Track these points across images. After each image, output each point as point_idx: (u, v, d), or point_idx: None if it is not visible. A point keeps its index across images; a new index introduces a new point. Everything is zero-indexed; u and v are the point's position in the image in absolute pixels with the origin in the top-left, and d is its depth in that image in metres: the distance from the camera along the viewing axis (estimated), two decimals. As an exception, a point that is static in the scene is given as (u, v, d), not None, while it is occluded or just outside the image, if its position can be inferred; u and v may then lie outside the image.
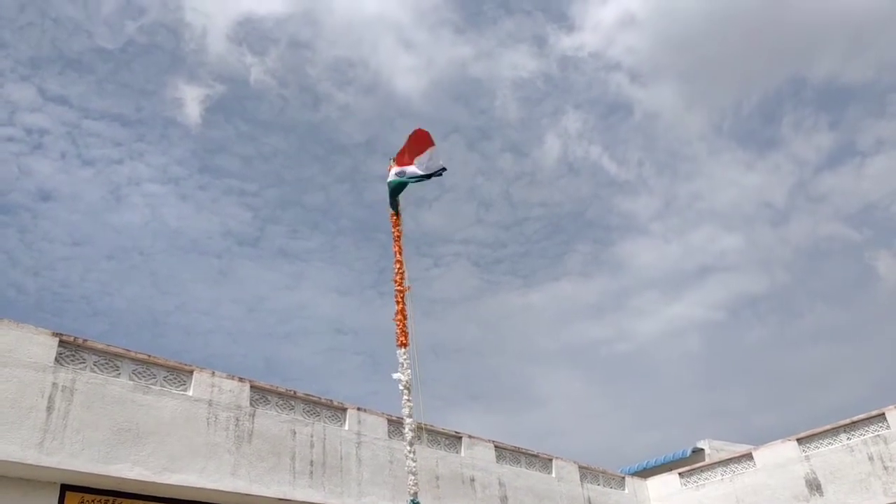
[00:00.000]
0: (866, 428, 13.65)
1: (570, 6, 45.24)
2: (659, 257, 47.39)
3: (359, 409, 11.61)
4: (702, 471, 15.73)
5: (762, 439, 15.27)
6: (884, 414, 13.49)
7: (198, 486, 9.17)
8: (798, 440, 14.37)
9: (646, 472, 17.48)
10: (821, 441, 14.13)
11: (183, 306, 45.37)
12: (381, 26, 41.41)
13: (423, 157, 9.41)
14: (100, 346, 9.04)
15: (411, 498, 8.14)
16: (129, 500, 8.94)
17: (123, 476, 8.58)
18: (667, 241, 47.21)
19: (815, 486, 13.78)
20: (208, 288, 44.51)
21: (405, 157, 9.51)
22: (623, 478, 16.10)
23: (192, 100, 37.14)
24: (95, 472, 8.38)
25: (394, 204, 9.68)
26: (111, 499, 8.79)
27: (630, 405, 49.70)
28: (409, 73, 42.72)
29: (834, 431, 14.00)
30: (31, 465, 7.93)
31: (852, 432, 13.79)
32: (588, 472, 15.18)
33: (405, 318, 9.07)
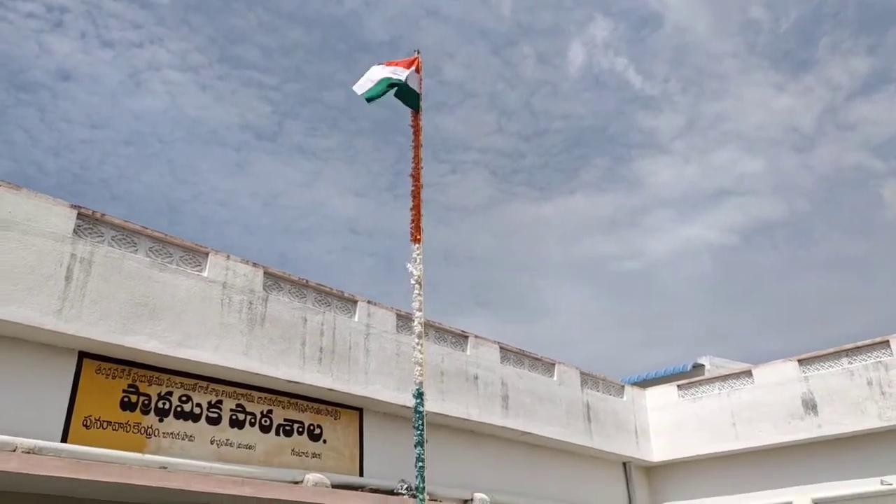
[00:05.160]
0: (869, 353, 13.79)
1: None
2: (677, 177, 46.88)
3: (369, 302, 11.80)
4: (700, 384, 16.06)
5: (764, 361, 15.47)
6: (888, 341, 13.59)
7: (211, 362, 9.45)
8: (799, 361, 14.57)
9: (646, 383, 17.89)
10: (822, 364, 14.32)
11: (200, 196, 45.63)
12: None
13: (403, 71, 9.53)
14: (117, 222, 9.13)
15: (416, 387, 8.37)
16: (145, 371, 9.24)
17: (140, 348, 8.84)
18: (686, 161, 46.56)
19: (811, 405, 14.07)
20: (225, 179, 44.62)
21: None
22: (623, 386, 16.49)
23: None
24: (113, 342, 8.62)
25: (413, 103, 9.57)
26: (127, 368, 9.10)
27: (635, 322, 50.39)
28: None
29: (836, 355, 14.17)
30: (49, 330, 8.15)
31: (854, 357, 13.95)
32: (589, 379, 15.54)
33: (420, 214, 9.09)
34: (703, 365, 18.55)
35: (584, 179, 50.67)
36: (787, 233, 49.47)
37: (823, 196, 48.40)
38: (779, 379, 14.67)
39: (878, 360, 13.59)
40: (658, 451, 16.15)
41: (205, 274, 9.80)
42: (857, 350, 13.96)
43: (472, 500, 12.17)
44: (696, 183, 48.37)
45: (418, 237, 8.95)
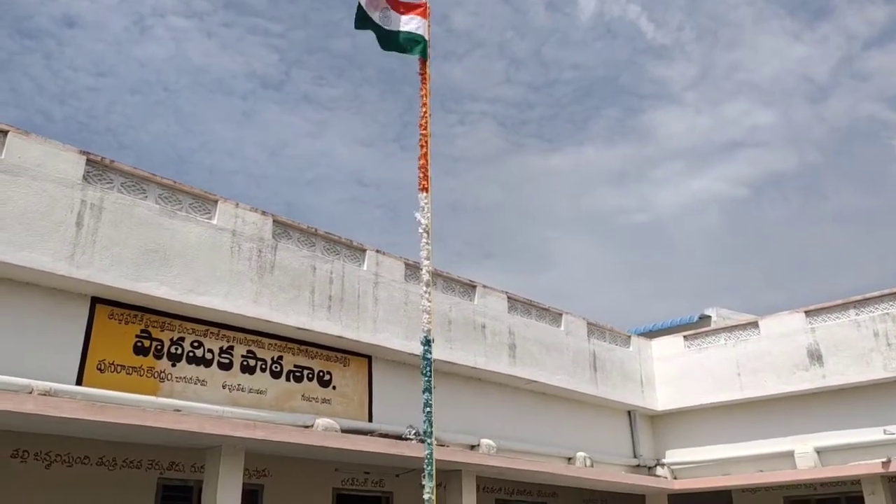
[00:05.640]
0: (877, 305, 13.81)
1: None
2: (688, 128, 46.34)
3: (377, 251, 11.84)
4: (706, 335, 16.17)
5: (770, 314, 15.51)
6: (896, 293, 13.59)
7: (221, 308, 9.57)
8: (806, 312, 14.62)
9: (652, 334, 18.00)
10: (829, 315, 14.36)
11: (207, 145, 45.50)
12: None
13: (409, 19, 8.88)
14: (126, 168, 9.13)
15: (424, 334, 8.44)
16: (157, 317, 9.36)
17: (151, 294, 8.94)
18: (698, 112, 45.95)
19: (816, 356, 14.16)
20: (232, 129, 44.41)
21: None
22: (629, 336, 16.61)
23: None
24: (125, 287, 8.72)
25: (421, 50, 9.32)
26: (140, 314, 9.22)
27: (643, 275, 50.48)
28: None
29: (844, 306, 14.20)
30: (62, 276, 8.25)
31: (862, 308, 13.97)
32: (595, 329, 15.66)
33: (428, 162, 9.03)
34: (709, 316, 18.64)
35: (593, 131, 50.18)
36: (797, 185, 49.10)
37: (835, 148, 47.87)
38: (785, 330, 14.75)
39: (886, 311, 13.61)
40: (663, 400, 16.34)
41: (214, 221, 9.84)
42: (864, 302, 13.97)
43: (478, 445, 12.41)
44: (706, 134, 47.85)
45: (426, 186, 8.90)
